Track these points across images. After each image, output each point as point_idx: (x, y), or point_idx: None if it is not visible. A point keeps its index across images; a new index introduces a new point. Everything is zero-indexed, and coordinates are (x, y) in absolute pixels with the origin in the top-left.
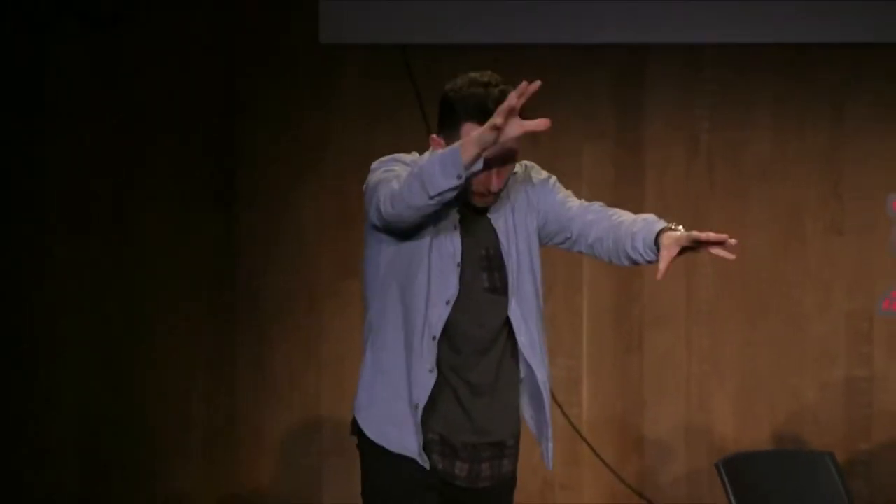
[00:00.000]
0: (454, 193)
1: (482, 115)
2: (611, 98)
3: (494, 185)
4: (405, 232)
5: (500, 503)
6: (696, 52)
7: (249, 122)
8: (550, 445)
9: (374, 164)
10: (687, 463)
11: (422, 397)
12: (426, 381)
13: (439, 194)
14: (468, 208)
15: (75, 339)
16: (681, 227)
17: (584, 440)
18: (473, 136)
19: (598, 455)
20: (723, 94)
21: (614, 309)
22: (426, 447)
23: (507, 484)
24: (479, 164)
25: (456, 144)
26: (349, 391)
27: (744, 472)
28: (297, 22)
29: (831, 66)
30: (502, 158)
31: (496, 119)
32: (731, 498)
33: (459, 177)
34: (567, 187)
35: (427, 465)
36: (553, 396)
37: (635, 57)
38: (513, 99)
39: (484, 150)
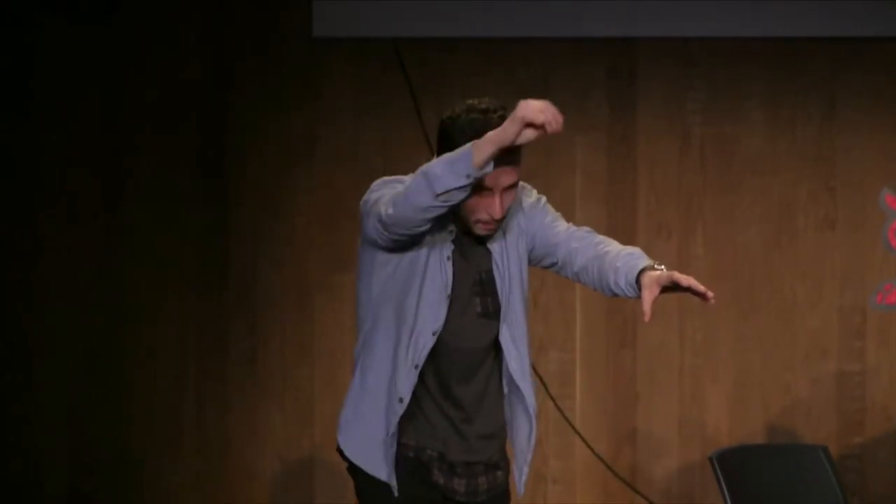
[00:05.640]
0: (461, 196)
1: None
2: (603, 92)
3: (497, 210)
4: (401, 244)
5: None
6: (687, 46)
7: (240, 116)
8: (526, 470)
9: (376, 184)
10: (680, 456)
11: (392, 422)
12: (397, 409)
13: (445, 192)
14: (467, 235)
15: (64, 333)
16: (663, 266)
17: (578, 433)
18: (491, 134)
19: (591, 448)
20: (714, 88)
21: (607, 303)
22: (426, 463)
23: (503, 495)
24: (490, 167)
25: (468, 144)
26: (341, 383)
27: (737, 466)
28: (290, 16)
29: (822, 60)
30: (503, 190)
31: (531, 117)
32: (725, 491)
33: (469, 176)
34: (560, 181)
35: (396, 493)
36: (546, 389)
37: (627, 51)
38: (548, 115)
39: (500, 148)
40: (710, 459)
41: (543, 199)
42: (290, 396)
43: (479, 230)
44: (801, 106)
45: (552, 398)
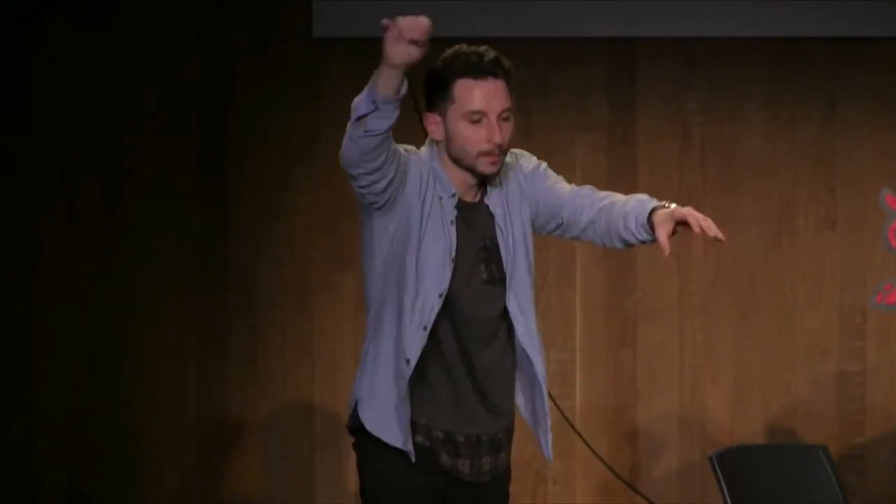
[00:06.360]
0: (380, 124)
1: (474, 71)
2: (603, 92)
3: (497, 136)
4: (370, 189)
5: (500, 495)
6: (687, 47)
7: (241, 115)
8: (550, 436)
9: None
10: (680, 456)
11: (401, 386)
12: (404, 371)
13: (361, 118)
14: (479, 180)
15: (64, 333)
16: (673, 204)
17: (578, 433)
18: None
19: (591, 448)
20: (714, 88)
21: (607, 302)
22: (433, 446)
23: (505, 475)
24: (403, 90)
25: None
26: (342, 383)
27: (737, 466)
28: (290, 16)
29: (823, 60)
30: (498, 116)
31: (388, 26)
32: (725, 491)
33: (374, 102)
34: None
35: (413, 458)
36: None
37: (627, 51)
38: (409, 20)
39: (393, 66)
40: (710, 459)
41: (544, 164)
42: (290, 396)
43: (485, 166)
44: (801, 106)
45: (552, 398)
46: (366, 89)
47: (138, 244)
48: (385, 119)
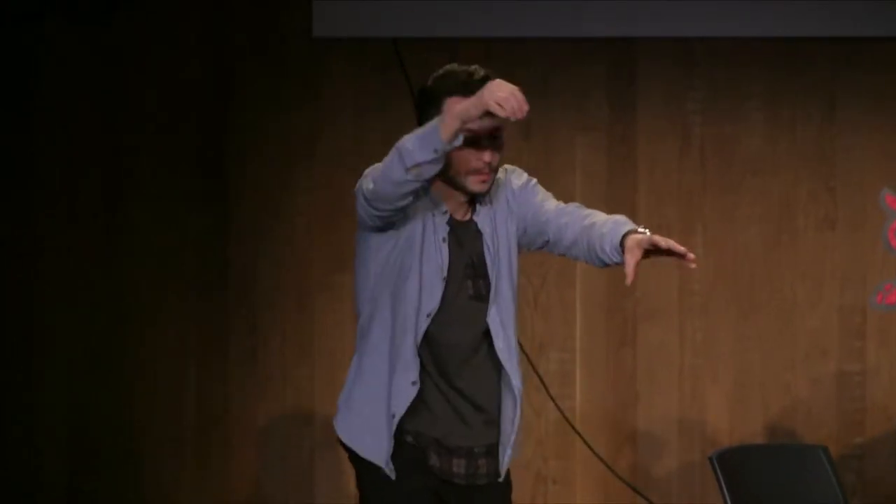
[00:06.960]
0: (432, 170)
1: (464, 88)
2: (603, 92)
3: (487, 156)
4: (386, 220)
5: (500, 501)
6: (687, 47)
7: (241, 115)
8: (509, 452)
9: (368, 170)
10: (680, 456)
11: (400, 408)
12: (408, 392)
13: (415, 166)
14: (469, 198)
15: (64, 333)
16: (647, 230)
17: (578, 433)
18: (456, 109)
19: (591, 448)
20: (714, 88)
21: (607, 302)
22: (422, 447)
23: (505, 484)
24: (459, 141)
25: (436, 119)
26: (342, 383)
27: (737, 466)
28: (290, 16)
29: (823, 60)
30: (489, 136)
31: (493, 105)
32: (725, 491)
33: (437, 150)
34: (560, 181)
35: (393, 476)
36: (546, 390)
37: (627, 51)
38: (511, 106)
39: (465, 124)
40: (710, 459)
41: (534, 180)
42: (290, 396)
43: (475, 185)
44: (801, 106)
45: (552, 398)
46: (420, 136)
47: (138, 244)
48: (438, 165)
